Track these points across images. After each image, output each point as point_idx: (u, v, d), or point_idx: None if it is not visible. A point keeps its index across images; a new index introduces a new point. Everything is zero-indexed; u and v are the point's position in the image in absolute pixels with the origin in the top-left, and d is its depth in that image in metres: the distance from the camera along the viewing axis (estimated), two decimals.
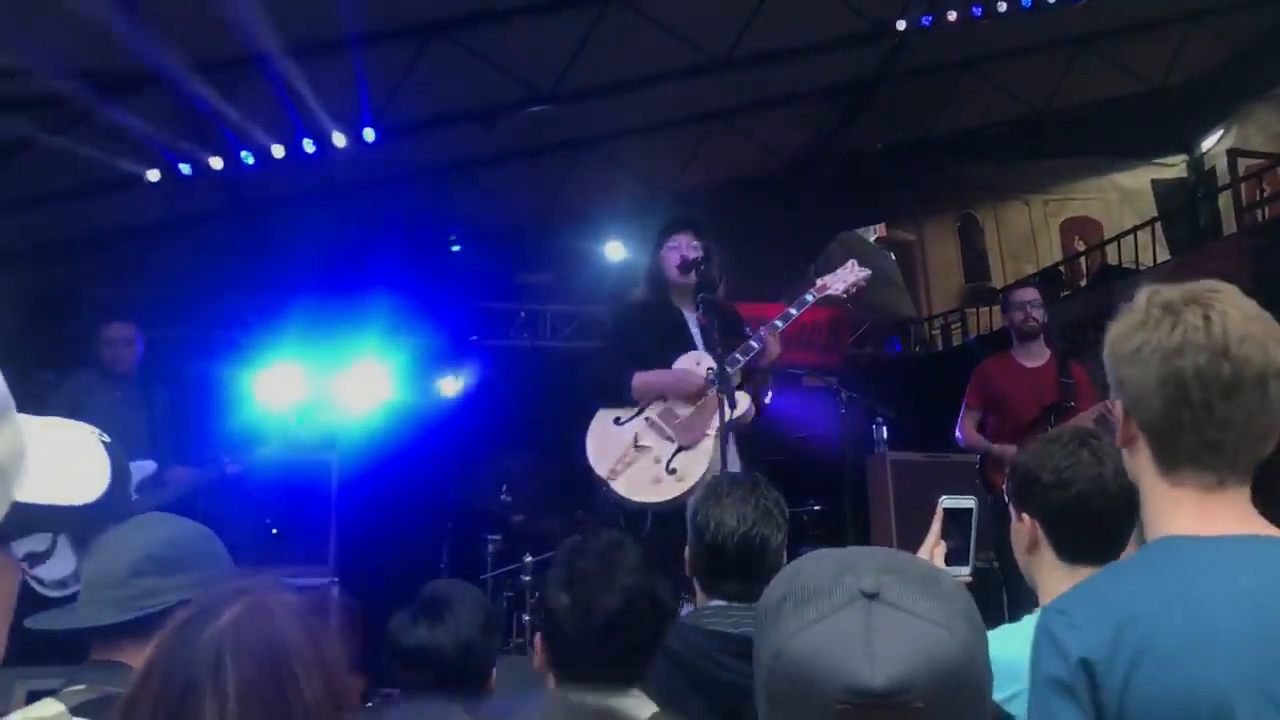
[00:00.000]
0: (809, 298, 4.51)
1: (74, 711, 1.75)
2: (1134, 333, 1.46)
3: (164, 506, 5.24)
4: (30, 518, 0.91)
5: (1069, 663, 1.34)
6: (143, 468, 5.36)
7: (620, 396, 4.55)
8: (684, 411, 4.47)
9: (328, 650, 1.28)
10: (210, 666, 1.18)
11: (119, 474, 0.99)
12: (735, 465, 4.16)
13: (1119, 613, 1.35)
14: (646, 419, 4.51)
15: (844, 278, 4.64)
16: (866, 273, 4.68)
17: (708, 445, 4.39)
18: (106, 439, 1.01)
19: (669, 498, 4.36)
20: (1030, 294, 5.86)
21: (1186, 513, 1.44)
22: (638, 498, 4.42)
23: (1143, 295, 1.50)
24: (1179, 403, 1.42)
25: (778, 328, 4.41)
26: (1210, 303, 1.43)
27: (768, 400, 4.64)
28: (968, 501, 2.23)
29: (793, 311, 4.47)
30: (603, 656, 2.00)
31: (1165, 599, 1.36)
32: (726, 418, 4.14)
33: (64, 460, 0.96)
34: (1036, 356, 5.75)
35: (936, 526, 2.21)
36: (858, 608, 1.09)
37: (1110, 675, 1.31)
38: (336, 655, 1.29)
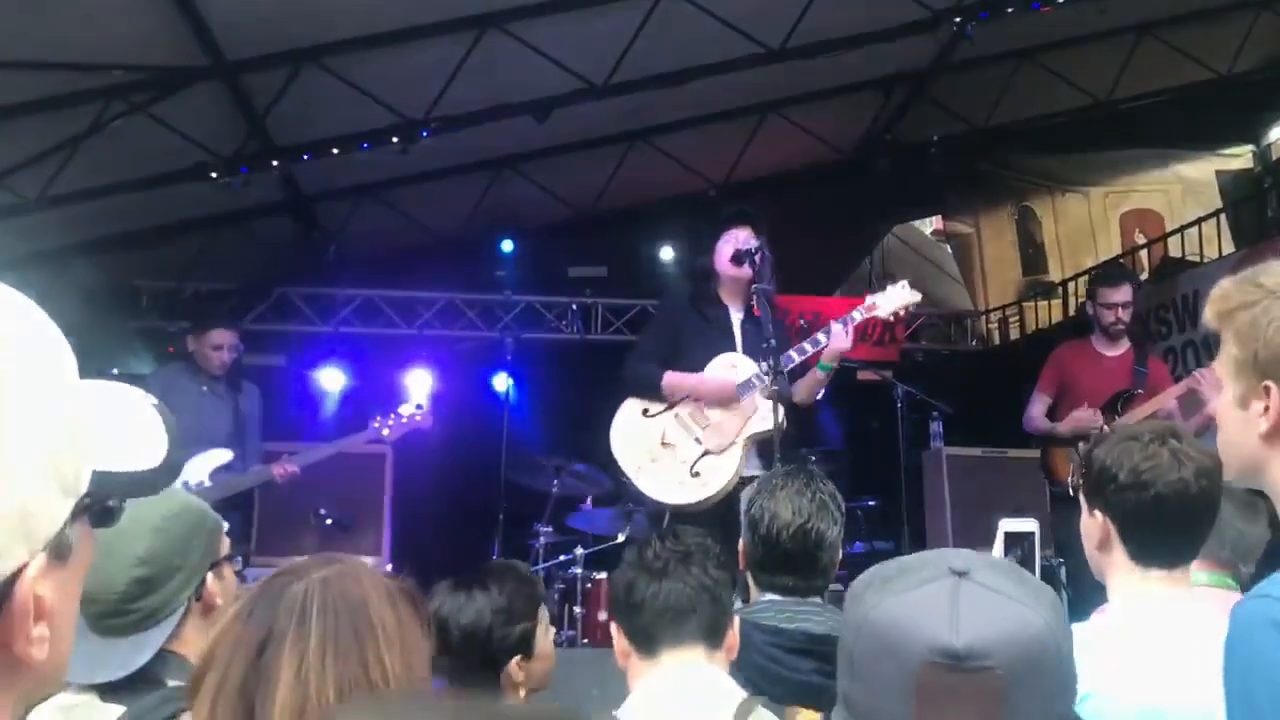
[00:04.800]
0: (856, 315, 4.48)
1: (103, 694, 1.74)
2: None
3: (229, 496, 5.39)
4: (104, 485, 0.90)
5: None
6: (220, 455, 5.50)
7: (649, 391, 4.55)
8: (715, 415, 4.45)
9: (410, 630, 1.27)
10: (295, 615, 1.19)
11: (174, 436, 0.99)
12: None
13: None
14: (676, 416, 4.50)
15: (894, 299, 4.58)
16: (916, 297, 4.65)
17: (735, 452, 4.37)
18: (156, 401, 1.01)
19: (691, 501, 4.37)
20: (1124, 294, 5.60)
21: None
22: (660, 497, 4.44)
23: None
24: None
25: (820, 343, 4.39)
26: None
27: (798, 398, 4.60)
28: (1029, 525, 2.19)
29: (828, 333, 4.43)
30: (662, 600, 2.04)
31: None
32: (776, 420, 4.14)
33: (125, 424, 0.96)
34: (1117, 346, 5.65)
35: (998, 549, 2.17)
36: (946, 581, 1.10)
37: None
38: (418, 638, 1.28)
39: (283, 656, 1.16)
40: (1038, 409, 5.73)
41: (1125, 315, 5.61)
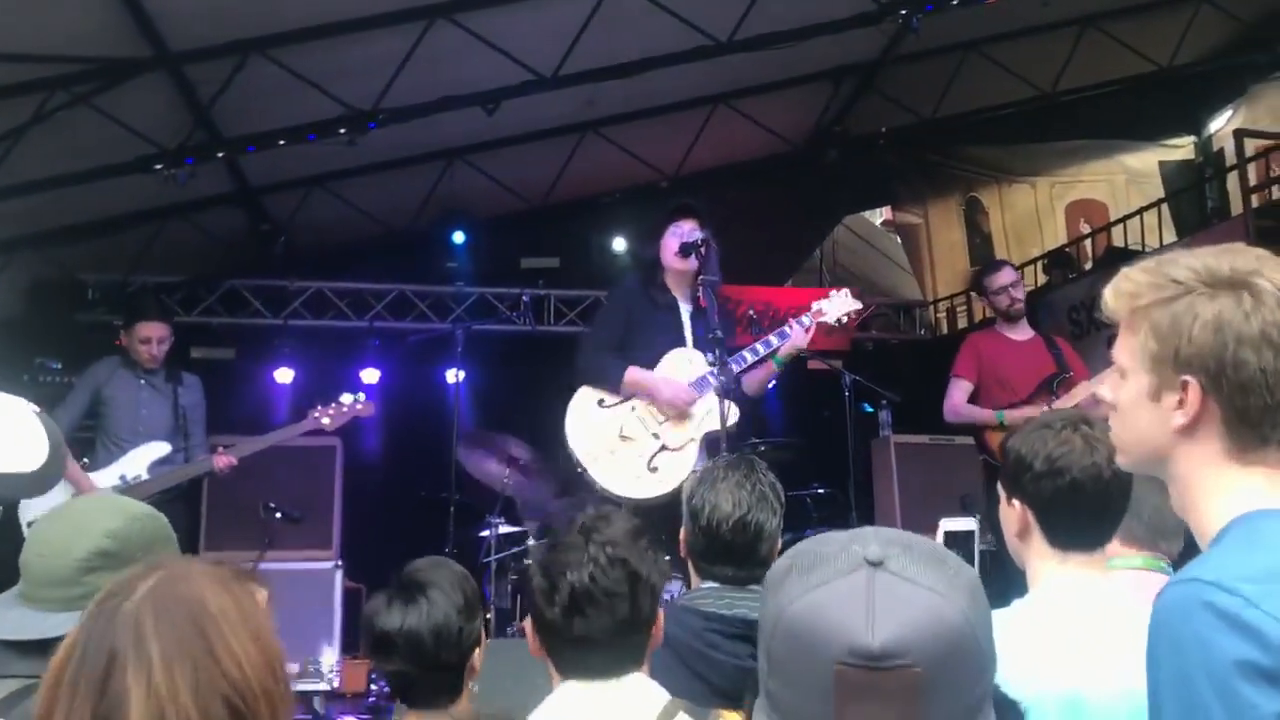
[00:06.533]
0: (805, 320, 4.67)
1: None
2: (1251, 312, 1.39)
3: (169, 488, 5.35)
4: None
5: (1269, 646, 1.24)
6: (158, 448, 5.47)
7: (605, 383, 4.61)
8: (671, 409, 4.51)
9: (252, 611, 1.25)
10: (131, 637, 1.16)
11: (55, 442, 1.01)
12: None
13: None
14: (633, 409, 4.57)
15: (839, 306, 4.82)
16: (858, 305, 4.93)
17: (693, 450, 4.44)
18: (38, 409, 1.02)
19: (648, 496, 4.43)
20: (1008, 275, 5.95)
21: (1261, 488, 1.41)
22: (616, 490, 4.49)
23: (1200, 265, 1.44)
24: None
25: (772, 344, 4.53)
26: None
27: (749, 390, 4.73)
28: (968, 523, 2.23)
29: (787, 332, 4.63)
30: (573, 638, 1.88)
31: None
32: (723, 421, 4.23)
33: (4, 429, 0.97)
34: (1023, 331, 5.88)
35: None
36: (861, 574, 1.09)
37: None
38: (263, 617, 1.27)
39: (128, 682, 1.14)
40: (960, 395, 5.87)
41: (1017, 293, 5.93)
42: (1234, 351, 1.40)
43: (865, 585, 1.08)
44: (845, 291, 4.92)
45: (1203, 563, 1.41)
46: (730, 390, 4.32)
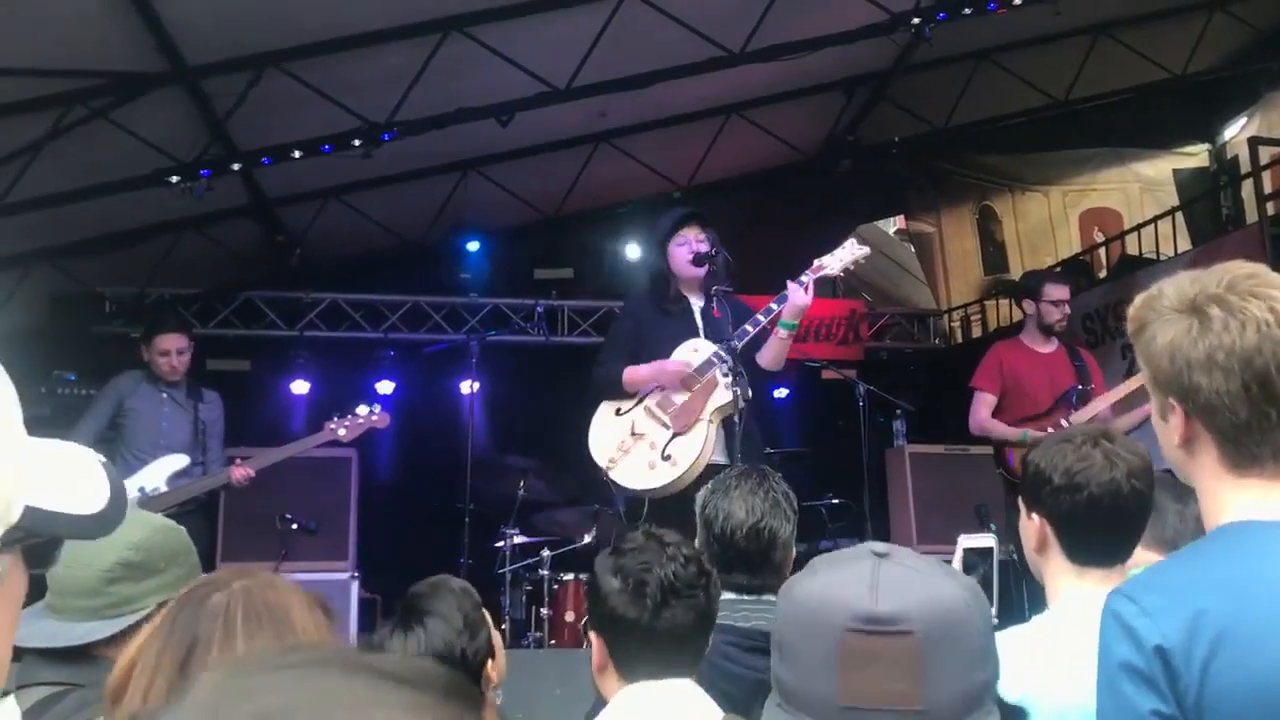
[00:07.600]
0: (803, 278, 4.54)
1: (27, 715, 1.76)
2: (1198, 338, 1.42)
3: (186, 501, 5.38)
4: (39, 521, 0.95)
5: (1144, 651, 1.32)
6: (176, 460, 5.50)
7: (615, 391, 4.68)
8: (680, 398, 4.56)
9: (329, 638, 1.29)
10: (220, 622, 1.20)
11: (117, 491, 1.04)
12: (736, 449, 4.22)
13: (1193, 600, 1.33)
14: (645, 408, 4.62)
15: (841, 257, 4.68)
16: (865, 250, 4.73)
17: (700, 429, 4.47)
18: (104, 460, 1.07)
19: (663, 483, 4.45)
20: (1066, 292, 5.87)
21: (1254, 500, 1.42)
22: (633, 485, 4.53)
23: (1174, 292, 1.47)
24: (1267, 402, 1.40)
25: (773, 310, 4.50)
26: (1263, 292, 1.41)
27: (765, 363, 4.68)
28: (987, 540, 2.23)
29: (785, 295, 4.53)
30: (659, 632, 1.96)
31: (1240, 584, 1.35)
32: (730, 399, 4.24)
33: (69, 473, 1.01)
34: (1049, 343, 5.83)
35: (957, 563, 2.21)
36: (867, 562, 1.20)
37: (1188, 664, 1.30)
38: (339, 644, 1.30)
39: (210, 663, 1.17)
40: (985, 410, 5.81)
41: (1067, 312, 5.86)
42: (1188, 376, 1.44)
43: (871, 568, 1.19)
44: (851, 240, 4.82)
45: (1142, 573, 1.50)
46: (739, 368, 4.32)
